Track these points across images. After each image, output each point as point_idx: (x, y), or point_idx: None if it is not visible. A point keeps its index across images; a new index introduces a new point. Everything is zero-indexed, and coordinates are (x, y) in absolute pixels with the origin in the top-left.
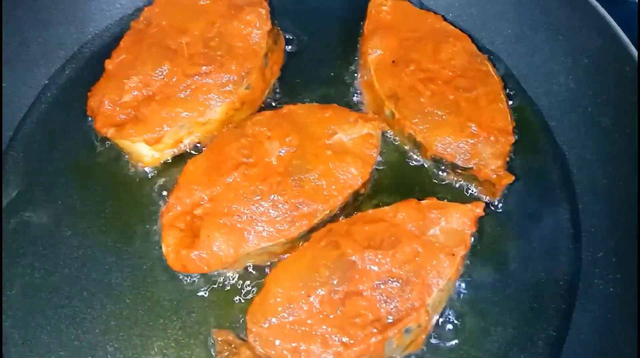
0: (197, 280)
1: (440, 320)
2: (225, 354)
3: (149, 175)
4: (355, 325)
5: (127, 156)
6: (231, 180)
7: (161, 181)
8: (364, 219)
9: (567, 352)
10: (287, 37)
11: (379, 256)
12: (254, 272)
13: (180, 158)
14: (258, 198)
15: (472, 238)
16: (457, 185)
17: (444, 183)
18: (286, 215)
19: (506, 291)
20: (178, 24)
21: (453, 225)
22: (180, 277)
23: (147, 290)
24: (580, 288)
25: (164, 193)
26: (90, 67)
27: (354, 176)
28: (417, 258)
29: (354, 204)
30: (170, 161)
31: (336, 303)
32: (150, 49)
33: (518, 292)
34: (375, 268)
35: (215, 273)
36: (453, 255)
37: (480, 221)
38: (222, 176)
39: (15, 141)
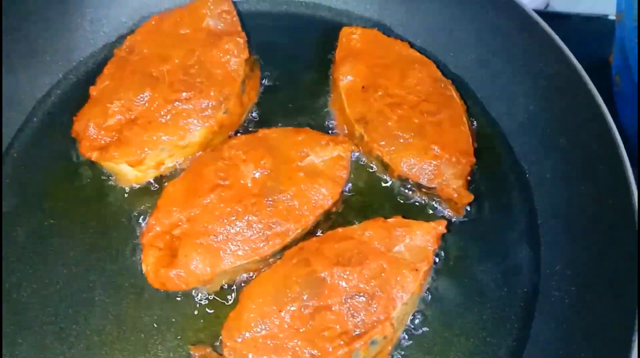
0: (176, 297)
1: (406, 332)
2: None
3: (132, 196)
4: (324, 338)
5: (111, 178)
6: (208, 202)
7: (143, 202)
8: (333, 238)
9: None
10: (263, 65)
11: (347, 272)
12: (229, 289)
13: (162, 179)
14: (233, 218)
15: (436, 254)
16: (423, 203)
17: (410, 201)
18: (260, 234)
19: (469, 304)
20: (159, 52)
21: (417, 242)
22: (160, 294)
23: (129, 307)
24: (539, 300)
25: (146, 213)
26: (75, 93)
27: (324, 197)
28: (382, 274)
29: (326, 223)
30: (152, 181)
31: (306, 318)
32: (132, 75)
33: (480, 304)
34: (344, 284)
35: (193, 290)
36: (416, 270)
37: (443, 237)
38: (199, 198)
39: (2, 164)
